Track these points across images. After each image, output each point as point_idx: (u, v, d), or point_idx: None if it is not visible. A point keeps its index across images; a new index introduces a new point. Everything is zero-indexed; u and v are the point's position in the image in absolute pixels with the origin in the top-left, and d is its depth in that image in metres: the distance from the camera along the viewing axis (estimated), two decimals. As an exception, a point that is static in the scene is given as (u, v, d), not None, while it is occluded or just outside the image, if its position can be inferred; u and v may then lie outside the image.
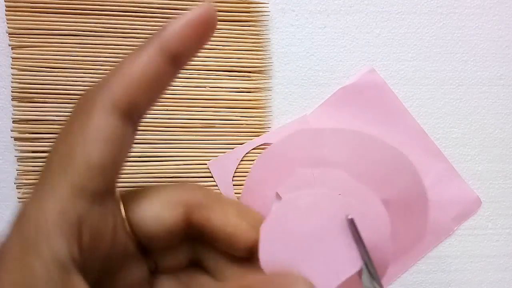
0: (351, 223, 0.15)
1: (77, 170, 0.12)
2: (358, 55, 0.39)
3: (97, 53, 0.36)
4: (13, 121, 0.35)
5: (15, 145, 0.35)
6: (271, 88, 0.38)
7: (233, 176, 0.37)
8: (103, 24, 0.36)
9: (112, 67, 0.14)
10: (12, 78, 0.35)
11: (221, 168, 0.37)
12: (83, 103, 0.13)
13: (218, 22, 0.38)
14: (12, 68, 0.35)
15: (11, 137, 0.35)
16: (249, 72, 0.37)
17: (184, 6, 0.37)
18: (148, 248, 0.16)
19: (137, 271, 0.16)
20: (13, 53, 0.35)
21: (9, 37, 0.35)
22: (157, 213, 0.15)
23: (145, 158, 0.36)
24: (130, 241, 0.15)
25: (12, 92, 0.35)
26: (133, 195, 0.16)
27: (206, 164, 0.37)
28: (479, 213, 0.39)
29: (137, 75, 0.13)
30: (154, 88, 0.14)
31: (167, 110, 0.36)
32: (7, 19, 0.35)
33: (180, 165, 0.37)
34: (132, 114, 0.14)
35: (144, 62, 0.14)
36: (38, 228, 0.11)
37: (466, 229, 0.39)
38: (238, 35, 0.37)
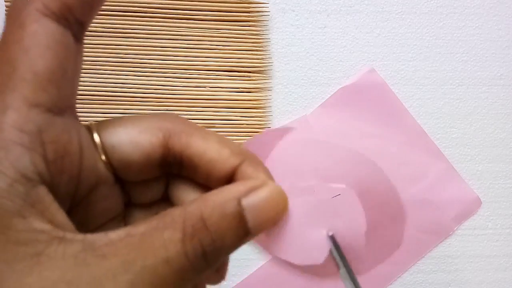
0: (332, 239, 0.15)
1: (25, 82, 0.12)
2: (358, 55, 0.39)
3: (97, 53, 0.36)
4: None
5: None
6: (271, 88, 0.38)
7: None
8: (103, 24, 0.36)
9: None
10: (12, 78, 0.35)
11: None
12: (13, 13, 0.12)
13: (218, 22, 0.39)
14: (12, 68, 0.35)
15: (11, 137, 0.35)
16: (249, 72, 0.37)
17: (184, 6, 0.37)
18: (123, 178, 0.15)
19: (112, 200, 0.15)
20: (13, 53, 0.35)
21: (9, 37, 0.35)
22: (133, 137, 0.15)
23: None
24: (105, 167, 0.15)
25: (12, 92, 0.35)
26: (109, 122, 0.15)
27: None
28: (479, 213, 0.39)
29: None
30: None
31: (167, 110, 0.36)
32: (7, 19, 0.35)
33: (180, 165, 0.37)
34: (67, 17, 0.13)
35: None
36: None
37: (466, 229, 0.39)
38: (238, 35, 0.37)
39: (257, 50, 0.37)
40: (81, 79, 0.36)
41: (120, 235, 0.12)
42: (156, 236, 0.12)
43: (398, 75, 0.39)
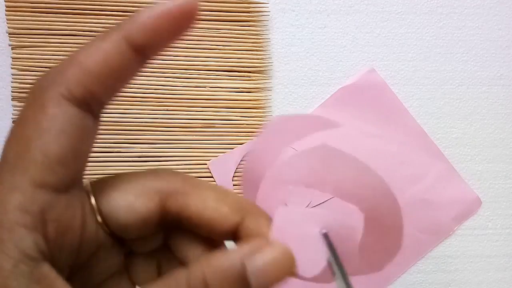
0: (326, 237, 0.15)
1: (35, 164, 0.12)
2: (358, 55, 0.39)
3: (97, 53, 0.36)
4: (13, 121, 0.35)
5: (15, 145, 0.35)
6: (271, 88, 0.38)
7: (233, 176, 0.37)
8: (103, 24, 0.36)
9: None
10: (12, 78, 0.35)
11: (221, 168, 0.37)
12: (36, 92, 0.13)
13: (218, 22, 0.39)
14: (12, 68, 0.35)
15: (11, 137, 0.35)
16: (249, 72, 0.37)
17: (184, 6, 0.37)
18: (122, 237, 0.16)
19: (112, 259, 0.16)
20: (13, 53, 0.35)
21: (9, 37, 0.35)
22: (130, 202, 0.15)
23: (145, 158, 0.36)
24: (102, 231, 0.15)
25: (12, 92, 0.35)
26: (104, 184, 0.15)
27: (206, 164, 0.37)
28: (479, 213, 0.39)
29: (94, 64, 0.13)
30: (114, 78, 0.13)
31: (167, 110, 0.36)
32: (7, 19, 0.35)
33: (180, 165, 0.37)
34: (89, 104, 0.13)
35: (104, 51, 0.13)
36: (1, 224, 0.11)
37: (466, 229, 0.39)
38: (238, 35, 0.37)
39: (257, 50, 0.37)
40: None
41: None
42: None
43: (398, 75, 0.39)
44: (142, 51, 0.13)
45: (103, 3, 0.36)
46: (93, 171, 0.36)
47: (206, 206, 0.15)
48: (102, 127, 0.36)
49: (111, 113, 0.36)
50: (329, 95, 0.39)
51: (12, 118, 0.35)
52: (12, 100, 0.35)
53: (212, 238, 0.15)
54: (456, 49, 0.40)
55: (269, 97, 0.38)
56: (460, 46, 0.40)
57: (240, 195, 0.16)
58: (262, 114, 0.38)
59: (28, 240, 0.12)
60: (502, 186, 0.40)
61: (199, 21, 0.37)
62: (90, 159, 0.36)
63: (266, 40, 0.38)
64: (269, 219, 0.16)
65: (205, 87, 0.37)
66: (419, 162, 0.39)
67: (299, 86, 0.39)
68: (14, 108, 0.35)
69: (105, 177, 0.15)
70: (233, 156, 0.37)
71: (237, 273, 0.13)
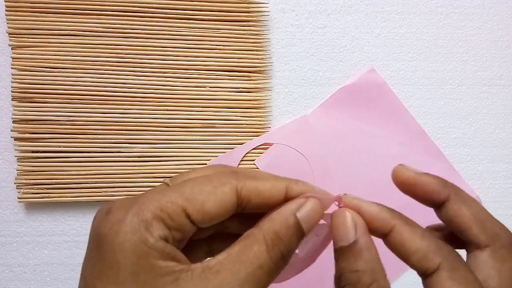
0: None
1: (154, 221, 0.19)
2: (358, 55, 0.39)
3: (97, 53, 0.36)
4: (13, 121, 0.35)
5: (15, 145, 0.35)
6: (271, 88, 0.38)
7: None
8: (103, 24, 0.36)
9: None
10: (12, 78, 0.35)
11: (221, 168, 0.37)
12: None
13: (218, 22, 0.39)
14: (12, 68, 0.35)
15: (11, 137, 0.35)
16: (249, 72, 0.37)
17: (184, 6, 0.37)
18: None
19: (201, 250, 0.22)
20: (13, 53, 0.35)
21: (9, 37, 0.35)
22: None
23: (145, 158, 0.36)
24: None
25: (12, 92, 0.35)
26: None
27: (206, 164, 0.37)
28: (479, 213, 0.39)
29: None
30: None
31: (167, 110, 0.36)
32: (7, 19, 0.35)
33: (180, 165, 0.37)
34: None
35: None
36: (147, 227, 0.18)
37: (466, 229, 0.39)
38: (238, 35, 0.37)
39: (257, 50, 0.37)
40: (81, 79, 0.36)
41: (224, 255, 0.18)
42: (249, 251, 0.18)
43: (398, 75, 0.39)
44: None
45: (103, 3, 0.36)
46: (93, 171, 0.36)
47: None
48: (102, 127, 0.36)
49: (111, 113, 0.36)
50: (329, 95, 0.39)
51: (12, 118, 0.35)
52: (12, 100, 0.35)
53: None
54: (456, 49, 0.40)
55: (269, 97, 0.38)
56: (460, 46, 0.40)
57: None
58: (262, 114, 0.38)
59: (161, 231, 0.18)
60: (502, 186, 0.40)
61: (199, 21, 0.37)
62: (90, 159, 0.36)
63: (266, 40, 0.38)
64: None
65: (205, 87, 0.37)
66: (419, 162, 0.39)
67: (299, 86, 0.39)
68: (14, 108, 0.35)
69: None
70: (233, 156, 0.37)
71: (294, 222, 0.19)
